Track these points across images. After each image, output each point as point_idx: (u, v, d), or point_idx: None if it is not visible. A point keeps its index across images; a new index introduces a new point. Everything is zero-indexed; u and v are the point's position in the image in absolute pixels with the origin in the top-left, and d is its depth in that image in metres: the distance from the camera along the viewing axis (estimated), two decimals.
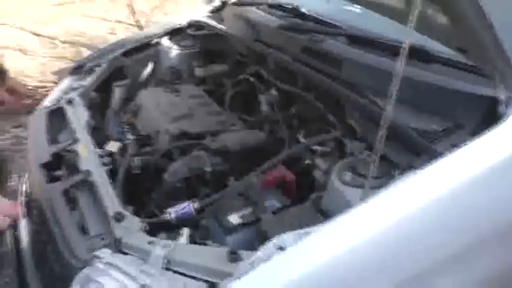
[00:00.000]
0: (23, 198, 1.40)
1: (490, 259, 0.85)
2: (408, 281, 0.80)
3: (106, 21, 5.33)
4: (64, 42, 4.68)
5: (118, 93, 1.75)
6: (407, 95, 1.11)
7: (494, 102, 1.00)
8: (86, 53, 3.95)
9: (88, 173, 1.18)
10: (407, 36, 1.14)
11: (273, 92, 1.56)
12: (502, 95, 0.98)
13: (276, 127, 1.45)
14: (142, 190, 1.31)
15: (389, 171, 1.02)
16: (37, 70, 3.98)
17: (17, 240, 1.34)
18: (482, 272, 0.85)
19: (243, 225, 1.07)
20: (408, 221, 0.82)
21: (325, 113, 1.34)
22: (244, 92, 1.65)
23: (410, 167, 0.97)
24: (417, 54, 1.14)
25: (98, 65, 1.80)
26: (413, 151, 1.02)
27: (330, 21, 1.50)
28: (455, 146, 0.96)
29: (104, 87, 1.77)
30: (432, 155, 0.95)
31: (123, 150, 1.33)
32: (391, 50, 1.20)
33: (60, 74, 3.54)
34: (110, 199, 1.08)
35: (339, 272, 0.80)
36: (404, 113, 1.10)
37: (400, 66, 0.80)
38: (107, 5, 5.94)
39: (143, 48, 1.93)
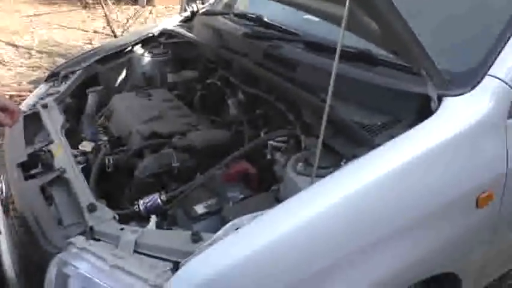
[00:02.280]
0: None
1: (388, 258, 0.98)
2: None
3: (83, 31, 5.38)
4: (40, 52, 4.71)
5: (92, 98, 1.83)
6: (352, 93, 1.25)
7: (427, 99, 1.14)
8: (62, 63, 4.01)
9: (62, 170, 1.27)
10: (352, 41, 1.28)
11: (240, 95, 1.68)
12: (431, 93, 1.12)
13: (242, 127, 1.56)
14: (115, 187, 1.40)
15: (336, 161, 1.14)
16: (14, 80, 4.00)
17: None
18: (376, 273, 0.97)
19: (207, 214, 1.17)
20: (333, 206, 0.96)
21: (285, 112, 1.46)
22: (213, 96, 1.76)
23: (353, 157, 1.09)
24: (361, 58, 1.28)
25: (73, 72, 1.89)
26: (356, 143, 1.14)
27: (289, 29, 1.63)
28: (392, 137, 1.09)
29: (78, 93, 1.85)
30: (372, 146, 1.08)
31: (96, 150, 1.42)
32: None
33: (36, 84, 3.59)
34: (84, 192, 1.17)
35: (284, 249, 0.91)
36: (350, 110, 1.22)
37: (335, 65, 0.93)
38: (83, 16, 6.00)
39: (117, 56, 2.02)
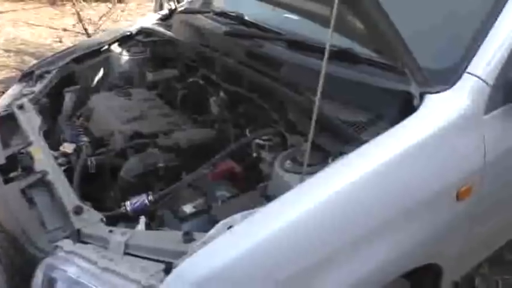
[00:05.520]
0: None
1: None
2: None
3: (52, 29, 5.22)
4: (6, 51, 4.55)
5: (69, 98, 1.79)
6: (337, 92, 1.27)
7: (410, 96, 1.17)
8: (30, 61, 3.88)
9: (44, 172, 1.24)
10: (336, 40, 1.30)
11: (221, 93, 1.67)
12: (414, 90, 1.16)
13: (225, 126, 1.56)
14: (98, 189, 1.37)
15: (323, 158, 1.16)
16: None
17: None
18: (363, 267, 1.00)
19: (196, 213, 1.17)
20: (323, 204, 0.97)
21: (269, 111, 1.47)
22: (194, 94, 1.75)
23: (340, 154, 1.11)
24: (345, 56, 1.30)
25: (48, 72, 1.84)
26: (343, 140, 1.16)
27: (270, 28, 1.64)
28: (377, 134, 1.12)
29: (54, 93, 1.80)
30: (358, 143, 1.10)
31: (78, 151, 1.39)
32: (323, 52, 1.35)
33: (6, 83, 3.46)
34: (68, 195, 1.14)
35: (278, 246, 0.92)
36: (335, 108, 1.24)
37: (324, 65, 0.94)
38: (51, 13, 5.82)
39: (94, 55, 1.98)
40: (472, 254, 1.47)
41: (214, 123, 1.62)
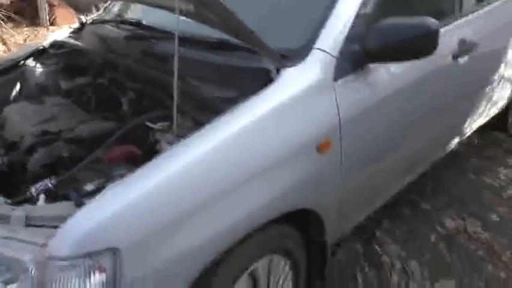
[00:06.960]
0: None
1: None
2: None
3: None
4: None
5: None
6: (213, 75, 1.49)
7: (269, 71, 1.41)
8: None
9: None
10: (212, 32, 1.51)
11: (129, 91, 1.85)
12: (270, 66, 1.40)
13: (128, 118, 1.73)
14: (11, 187, 1.50)
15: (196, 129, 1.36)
16: None
17: None
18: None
19: (95, 191, 1.33)
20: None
21: (164, 99, 1.66)
22: (103, 95, 1.91)
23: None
24: (217, 45, 1.53)
25: None
26: (215, 112, 1.38)
27: (164, 29, 1.84)
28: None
29: None
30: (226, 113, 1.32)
31: None
32: (202, 44, 1.58)
33: None
34: None
35: (144, 205, 1.12)
36: (212, 88, 1.46)
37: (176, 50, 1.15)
38: None
39: (9, 70, 2.10)
40: (351, 207, 1.71)
41: (123, 119, 1.79)
